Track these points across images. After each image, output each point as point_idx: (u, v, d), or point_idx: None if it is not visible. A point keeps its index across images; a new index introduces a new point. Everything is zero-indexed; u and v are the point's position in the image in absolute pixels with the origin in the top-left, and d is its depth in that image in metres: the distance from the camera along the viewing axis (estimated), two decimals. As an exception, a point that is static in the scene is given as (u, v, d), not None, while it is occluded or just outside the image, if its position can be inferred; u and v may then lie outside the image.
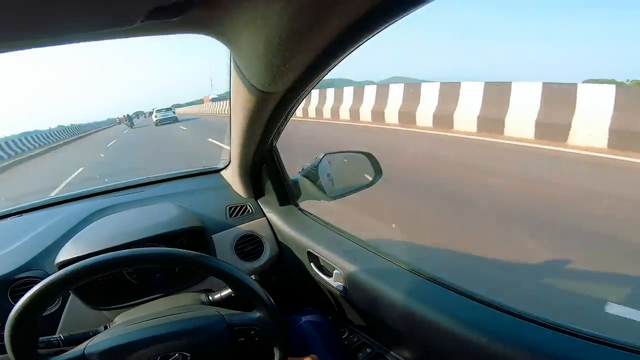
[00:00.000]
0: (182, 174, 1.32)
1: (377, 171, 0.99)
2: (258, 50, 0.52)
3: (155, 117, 22.31)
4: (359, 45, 0.48)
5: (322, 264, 0.90)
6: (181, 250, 0.66)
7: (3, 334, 0.81)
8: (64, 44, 0.48)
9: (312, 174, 1.01)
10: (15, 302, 0.84)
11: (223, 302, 0.77)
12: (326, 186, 0.99)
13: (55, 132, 20.73)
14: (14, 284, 0.87)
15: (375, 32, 0.44)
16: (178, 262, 0.67)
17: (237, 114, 0.83)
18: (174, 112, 22.96)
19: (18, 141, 15.38)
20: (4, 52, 0.47)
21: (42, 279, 0.85)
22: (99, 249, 0.85)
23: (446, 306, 0.62)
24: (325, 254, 0.86)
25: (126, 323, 0.73)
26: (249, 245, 1.03)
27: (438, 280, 0.69)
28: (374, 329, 0.85)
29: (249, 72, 0.61)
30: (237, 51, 0.60)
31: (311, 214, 1.04)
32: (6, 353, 0.76)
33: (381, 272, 0.76)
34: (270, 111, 0.74)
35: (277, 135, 0.91)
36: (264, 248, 1.04)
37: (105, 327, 0.76)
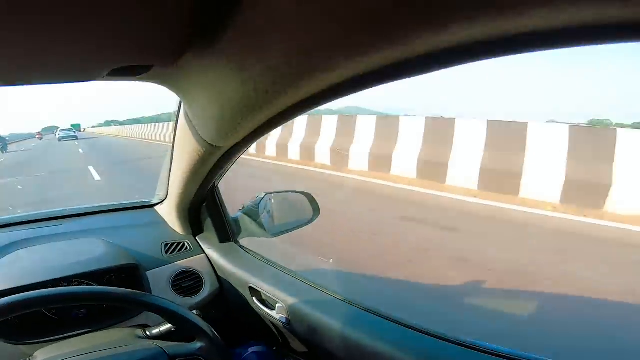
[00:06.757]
0: (109, 208, 1.23)
1: (316, 210, 1.03)
2: (211, 108, 0.56)
3: (58, 134, 27.61)
4: (319, 105, 0.50)
5: (264, 297, 0.92)
6: (115, 288, 0.69)
7: None
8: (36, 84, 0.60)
9: (252, 212, 1.04)
10: None
11: (162, 337, 0.74)
12: (267, 224, 1.01)
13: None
14: None
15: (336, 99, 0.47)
16: (113, 300, 0.70)
17: (180, 157, 0.86)
18: (74, 132, 28.21)
19: None
20: None
21: None
22: (17, 285, 0.79)
23: (377, 332, 0.68)
24: (267, 289, 0.89)
25: (52, 359, 0.70)
26: (187, 282, 1.02)
27: (371, 310, 0.75)
28: (316, 357, 0.86)
29: (199, 125, 0.66)
30: (189, 104, 0.64)
31: (251, 251, 1.05)
32: None
33: (320, 304, 0.80)
34: (215, 162, 0.78)
35: (219, 178, 0.94)
36: (204, 284, 1.03)
37: None
